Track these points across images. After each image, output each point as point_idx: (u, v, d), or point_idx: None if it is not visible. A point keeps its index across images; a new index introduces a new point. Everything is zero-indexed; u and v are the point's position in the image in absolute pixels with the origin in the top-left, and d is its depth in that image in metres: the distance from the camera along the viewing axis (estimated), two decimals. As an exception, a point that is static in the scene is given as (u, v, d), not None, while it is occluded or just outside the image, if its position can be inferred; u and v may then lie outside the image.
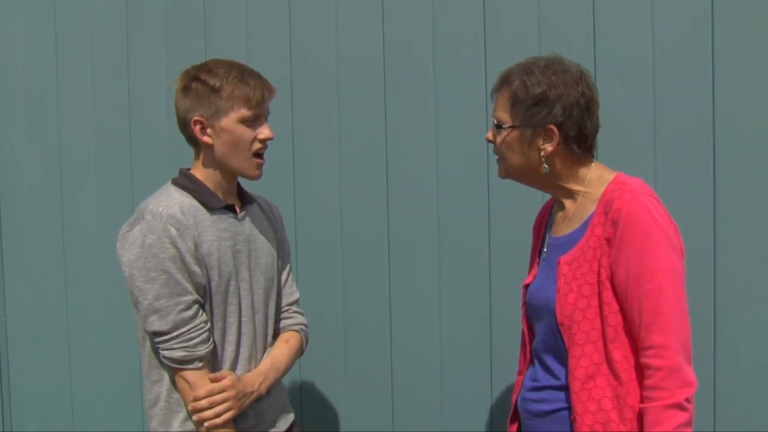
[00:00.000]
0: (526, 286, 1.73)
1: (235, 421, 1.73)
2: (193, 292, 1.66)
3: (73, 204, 2.96)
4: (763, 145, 2.05)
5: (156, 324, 1.65)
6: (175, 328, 1.64)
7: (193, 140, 1.78)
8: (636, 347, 1.49)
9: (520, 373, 1.80)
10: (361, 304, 2.52)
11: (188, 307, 1.65)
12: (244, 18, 2.64)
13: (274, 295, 1.89)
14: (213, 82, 1.71)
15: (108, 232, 2.83)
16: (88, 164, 2.92)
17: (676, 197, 2.12)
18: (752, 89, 2.05)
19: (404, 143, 2.44)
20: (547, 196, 1.77)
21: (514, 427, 1.78)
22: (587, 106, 1.57)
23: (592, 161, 1.63)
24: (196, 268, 1.67)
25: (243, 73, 1.74)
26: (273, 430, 1.85)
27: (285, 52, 2.57)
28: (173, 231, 1.64)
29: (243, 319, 1.79)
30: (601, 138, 2.14)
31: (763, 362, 2.08)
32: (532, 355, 1.71)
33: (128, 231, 1.68)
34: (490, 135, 1.65)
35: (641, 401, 1.47)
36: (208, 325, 1.69)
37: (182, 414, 1.73)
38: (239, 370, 1.77)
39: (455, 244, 2.37)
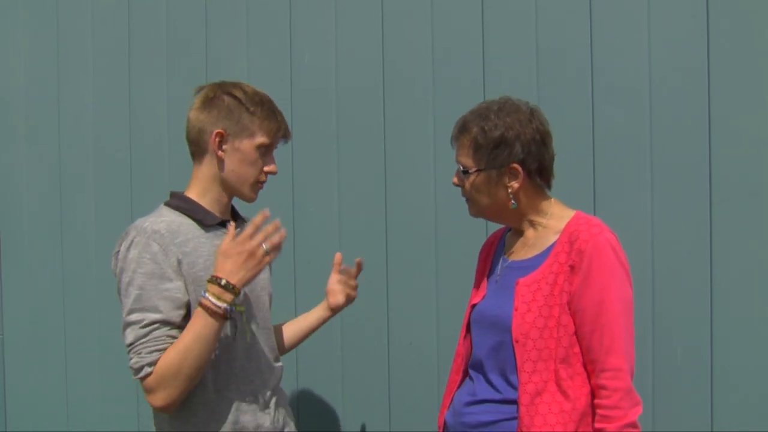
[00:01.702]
0: (473, 306, 1.81)
1: None
2: (164, 310, 1.63)
3: (71, 220, 2.97)
4: (758, 168, 2.06)
5: (127, 337, 1.64)
6: (135, 341, 1.63)
7: (202, 152, 1.78)
8: (581, 369, 1.61)
9: (449, 392, 1.86)
10: (359, 326, 2.51)
11: (149, 324, 1.62)
12: (245, 40, 2.66)
13: (270, 311, 1.91)
14: (248, 104, 1.75)
15: (106, 248, 2.81)
16: (88, 181, 2.93)
17: (672, 221, 2.14)
18: (748, 114, 2.06)
19: (403, 165, 2.45)
20: (496, 226, 1.89)
21: None
22: (543, 140, 1.70)
23: (550, 196, 1.76)
24: (177, 284, 1.65)
25: (273, 107, 1.80)
26: None
27: (285, 74, 2.59)
28: (155, 247, 1.65)
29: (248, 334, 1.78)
30: (598, 162, 2.19)
31: (760, 369, 2.08)
32: (468, 372, 1.80)
33: (117, 250, 1.70)
34: (456, 180, 1.76)
35: (594, 419, 1.58)
36: (173, 340, 1.64)
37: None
38: (248, 386, 1.77)
39: (453, 266, 2.38)
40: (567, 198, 1.81)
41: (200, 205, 1.77)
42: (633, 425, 1.56)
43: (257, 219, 1.64)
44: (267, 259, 1.64)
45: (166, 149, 2.74)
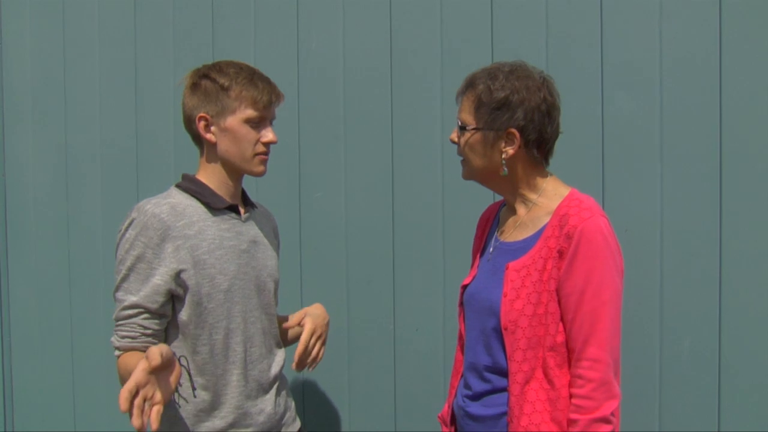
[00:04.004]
0: (464, 287, 1.78)
1: (239, 428, 1.75)
2: (142, 296, 1.66)
3: (78, 208, 2.98)
4: (770, 157, 2.05)
5: (114, 312, 1.70)
6: (117, 319, 1.69)
7: (197, 138, 1.79)
8: (569, 358, 1.57)
9: (456, 373, 1.85)
10: (365, 312, 2.51)
11: (129, 307, 1.67)
12: (253, 25, 2.65)
13: (276, 297, 1.91)
14: (222, 81, 1.73)
15: (112, 235, 2.83)
16: (94, 169, 2.94)
17: (682, 208, 2.12)
18: (760, 101, 2.04)
19: (410, 150, 2.44)
20: (497, 197, 1.82)
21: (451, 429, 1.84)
22: (548, 111, 1.63)
23: (548, 173, 1.69)
24: (161, 272, 1.67)
25: (252, 76, 1.76)
26: None
27: (292, 58, 2.58)
28: (151, 231, 1.66)
29: (251, 319, 1.79)
30: (607, 151, 2.17)
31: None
32: (464, 360, 1.77)
33: (120, 229, 1.72)
34: (454, 136, 1.71)
35: (570, 408, 1.55)
36: (148, 331, 1.68)
37: (191, 420, 1.72)
38: (252, 371, 1.78)
39: (460, 251, 2.36)
40: (575, 187, 1.78)
41: (209, 188, 1.78)
42: (605, 420, 1.51)
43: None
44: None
45: (172, 136, 2.74)
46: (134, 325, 1.67)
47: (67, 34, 2.97)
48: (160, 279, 1.67)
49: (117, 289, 1.69)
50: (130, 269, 1.67)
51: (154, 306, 1.67)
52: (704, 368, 2.11)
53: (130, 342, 1.67)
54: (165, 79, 2.77)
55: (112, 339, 1.69)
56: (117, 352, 1.68)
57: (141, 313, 1.67)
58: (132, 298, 1.66)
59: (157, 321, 1.69)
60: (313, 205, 2.57)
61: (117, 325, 1.69)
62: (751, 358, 2.07)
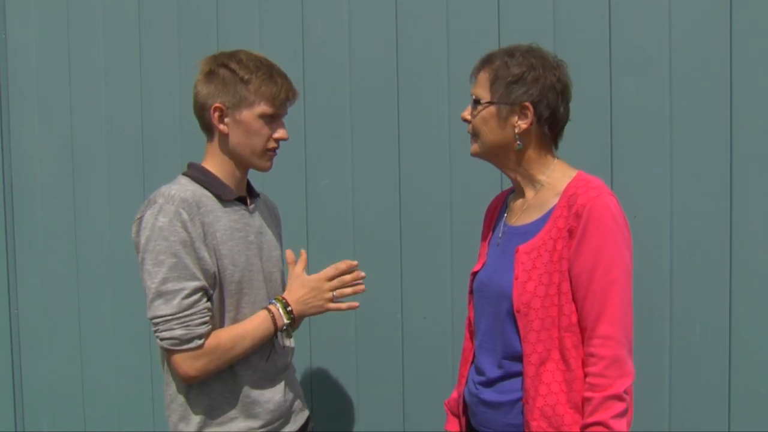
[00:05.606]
0: (474, 273, 1.78)
1: (249, 417, 1.75)
2: (201, 278, 1.64)
3: (85, 198, 2.98)
4: (781, 141, 2.02)
5: (161, 308, 1.62)
6: (179, 311, 1.62)
7: (208, 127, 1.78)
8: (583, 337, 1.57)
9: (465, 362, 1.85)
10: (373, 300, 2.50)
11: (193, 293, 1.63)
12: (257, 13, 2.63)
13: (283, 287, 1.90)
14: (242, 73, 1.72)
15: (119, 226, 2.84)
16: (100, 159, 2.94)
17: (692, 194, 2.10)
18: (770, 85, 2.03)
19: (417, 138, 2.43)
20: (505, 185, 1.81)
21: (458, 422, 1.84)
22: (562, 91, 1.66)
23: (556, 156, 1.71)
24: (204, 254, 1.66)
25: (272, 71, 1.75)
26: (288, 427, 1.85)
27: (297, 46, 2.56)
28: (185, 215, 1.64)
29: (258, 309, 1.78)
30: (616, 134, 2.16)
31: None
32: (476, 346, 1.77)
33: (141, 216, 1.68)
34: (466, 113, 1.71)
35: (585, 387, 1.55)
36: (211, 313, 1.67)
37: (203, 410, 1.73)
38: (260, 360, 1.78)
39: (468, 239, 2.35)
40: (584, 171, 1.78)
41: (218, 179, 1.77)
42: (618, 397, 1.51)
43: (342, 265, 1.78)
44: (332, 306, 1.78)
45: (178, 124, 2.73)
46: (204, 310, 1.64)
47: (71, 25, 2.96)
48: (206, 263, 1.65)
49: (164, 281, 1.61)
50: (178, 256, 1.62)
51: (208, 287, 1.66)
52: (715, 354, 2.09)
53: (206, 328, 1.64)
54: (170, 69, 2.76)
55: (182, 333, 1.61)
56: (198, 341, 1.62)
57: (203, 296, 1.65)
58: (192, 284, 1.62)
59: (211, 304, 1.69)
60: (319, 194, 2.56)
61: (183, 315, 1.61)
62: (761, 343, 2.06)
